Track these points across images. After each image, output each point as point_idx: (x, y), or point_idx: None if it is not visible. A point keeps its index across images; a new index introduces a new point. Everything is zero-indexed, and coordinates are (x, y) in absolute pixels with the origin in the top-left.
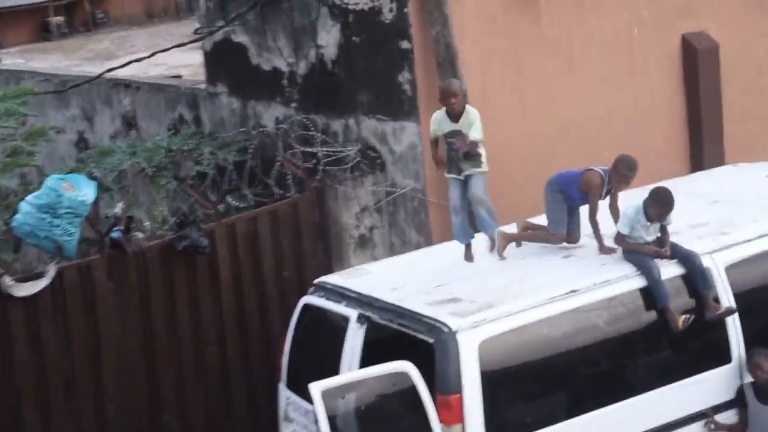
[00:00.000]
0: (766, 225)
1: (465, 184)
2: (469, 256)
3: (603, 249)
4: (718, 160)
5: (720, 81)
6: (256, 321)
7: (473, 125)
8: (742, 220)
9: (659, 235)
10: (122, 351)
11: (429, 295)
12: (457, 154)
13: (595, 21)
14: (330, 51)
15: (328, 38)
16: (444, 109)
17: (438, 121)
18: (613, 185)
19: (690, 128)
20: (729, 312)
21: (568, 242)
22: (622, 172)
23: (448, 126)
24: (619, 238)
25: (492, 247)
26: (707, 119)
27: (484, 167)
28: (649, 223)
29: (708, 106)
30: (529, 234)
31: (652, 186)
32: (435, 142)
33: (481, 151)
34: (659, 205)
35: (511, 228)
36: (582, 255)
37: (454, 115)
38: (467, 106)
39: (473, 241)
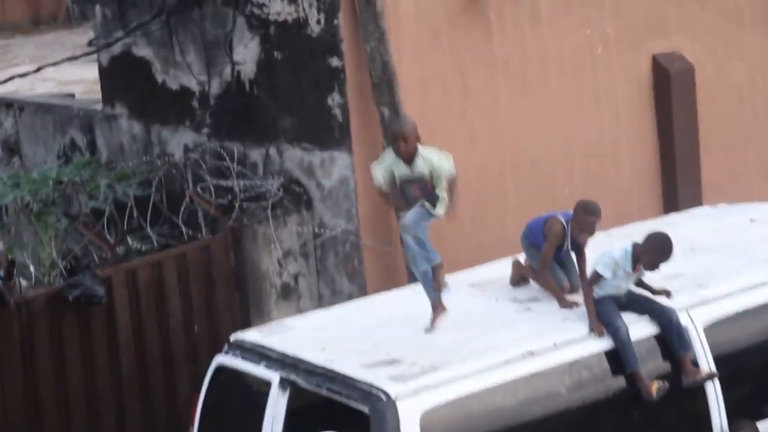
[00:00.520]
0: (751, 277)
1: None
2: (437, 310)
3: (563, 303)
4: (695, 200)
5: (696, 108)
6: (161, 385)
7: (435, 169)
8: (723, 271)
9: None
10: (1, 419)
11: (364, 355)
12: (415, 199)
13: (553, 38)
14: (248, 68)
15: (246, 53)
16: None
17: (390, 163)
18: (575, 235)
19: (662, 163)
20: (709, 377)
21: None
22: (582, 218)
23: (403, 170)
24: (592, 281)
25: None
26: (682, 152)
27: (438, 213)
28: (632, 272)
29: (683, 138)
30: (542, 278)
31: (617, 230)
32: (388, 186)
33: (441, 194)
34: (657, 252)
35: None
36: (541, 309)
37: (405, 159)
38: (420, 149)
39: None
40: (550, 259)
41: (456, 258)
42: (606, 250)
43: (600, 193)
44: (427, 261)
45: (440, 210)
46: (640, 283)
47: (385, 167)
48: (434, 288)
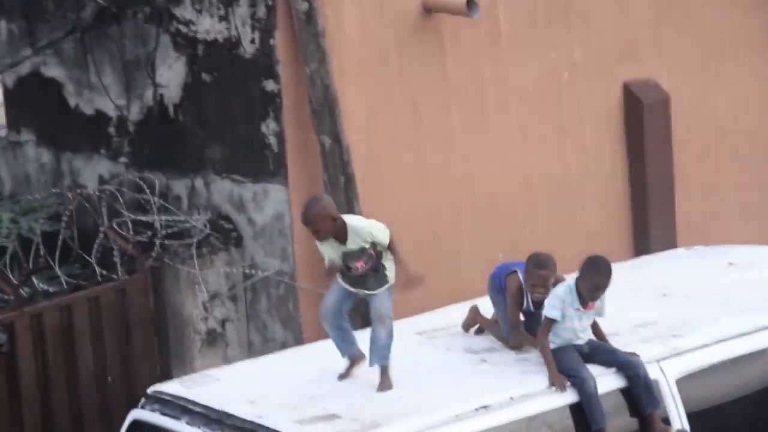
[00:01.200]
0: (729, 326)
1: (357, 298)
2: (348, 373)
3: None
4: (669, 242)
5: (671, 143)
6: None
7: (375, 239)
8: (698, 319)
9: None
10: None
11: (298, 410)
12: (359, 275)
13: (514, 63)
14: (172, 92)
15: (170, 75)
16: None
17: (327, 246)
18: (530, 291)
19: (633, 201)
20: None
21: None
22: (533, 273)
23: (338, 249)
24: (544, 329)
25: (384, 386)
26: (655, 190)
27: (391, 279)
28: (582, 309)
29: (656, 174)
30: (491, 324)
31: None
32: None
33: (388, 262)
34: (591, 276)
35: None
36: (497, 361)
37: (334, 238)
38: (348, 224)
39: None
40: (517, 321)
41: (403, 304)
42: (552, 291)
43: (565, 235)
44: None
45: (391, 275)
46: (597, 335)
47: (326, 247)
48: (387, 351)
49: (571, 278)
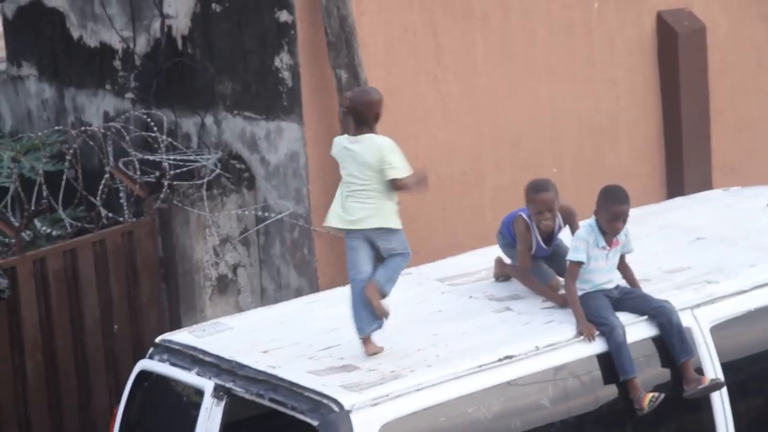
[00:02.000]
0: (766, 272)
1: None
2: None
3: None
4: (704, 183)
5: (707, 76)
6: (74, 394)
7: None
8: (734, 264)
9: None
10: None
11: (313, 360)
12: None
13: None
14: (181, 23)
15: (179, 5)
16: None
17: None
18: (538, 225)
19: (667, 139)
20: (715, 386)
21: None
22: (533, 199)
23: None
24: (570, 275)
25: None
26: (690, 127)
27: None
28: (608, 246)
29: (691, 110)
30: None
31: None
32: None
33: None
34: (607, 204)
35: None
36: (520, 309)
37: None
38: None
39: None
40: (527, 263)
41: (424, 248)
42: (575, 234)
43: (593, 174)
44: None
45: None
46: (629, 280)
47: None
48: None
49: (591, 218)
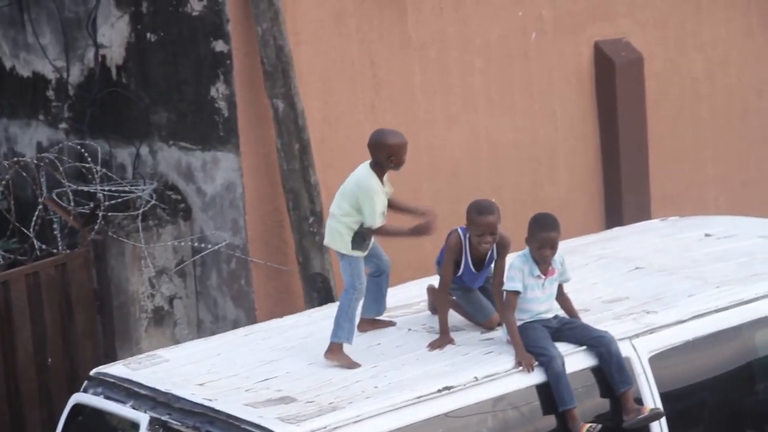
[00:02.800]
0: (705, 302)
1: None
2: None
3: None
4: (643, 213)
5: (645, 106)
6: (7, 428)
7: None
8: (673, 294)
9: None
10: None
11: (251, 392)
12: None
13: (479, 21)
14: (115, 52)
15: (113, 35)
16: (369, 167)
17: (381, 194)
18: (475, 245)
19: (605, 170)
20: (655, 416)
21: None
22: (475, 221)
23: (384, 192)
24: (506, 305)
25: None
26: (628, 157)
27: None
28: (543, 276)
29: (629, 140)
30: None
31: None
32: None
33: None
34: (534, 231)
35: None
36: (459, 340)
37: (381, 177)
38: None
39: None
40: (447, 279)
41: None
42: (509, 263)
43: (532, 205)
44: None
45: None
46: (567, 310)
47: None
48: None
49: (526, 248)
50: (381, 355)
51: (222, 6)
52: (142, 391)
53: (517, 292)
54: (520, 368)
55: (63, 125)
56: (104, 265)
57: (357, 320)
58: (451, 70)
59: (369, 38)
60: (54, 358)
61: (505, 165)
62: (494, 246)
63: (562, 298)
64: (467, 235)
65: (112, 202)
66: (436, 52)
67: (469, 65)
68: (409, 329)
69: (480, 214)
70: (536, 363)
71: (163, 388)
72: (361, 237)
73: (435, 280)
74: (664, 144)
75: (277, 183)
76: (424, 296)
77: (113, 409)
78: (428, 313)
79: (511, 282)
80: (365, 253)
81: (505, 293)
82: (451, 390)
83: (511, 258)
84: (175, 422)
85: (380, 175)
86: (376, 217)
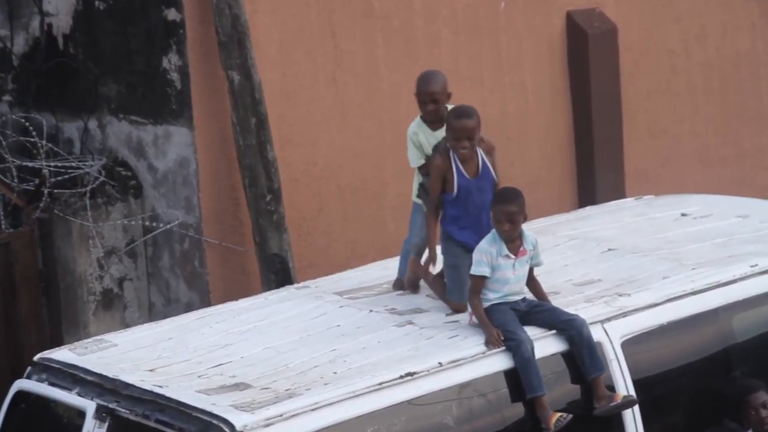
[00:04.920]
0: (680, 284)
1: None
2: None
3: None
4: (616, 190)
5: (619, 79)
6: None
7: None
8: (646, 276)
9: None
10: None
11: (203, 378)
12: None
13: None
14: (62, 21)
15: (60, 2)
16: (419, 116)
17: (420, 135)
18: (456, 152)
19: (578, 146)
20: (627, 404)
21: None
22: (454, 126)
23: (432, 140)
24: (473, 291)
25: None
26: (601, 133)
27: None
28: (512, 256)
29: (602, 115)
30: (434, 280)
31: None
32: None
33: None
34: (497, 205)
35: None
36: (423, 323)
37: (433, 123)
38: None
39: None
40: (435, 198)
41: (322, 260)
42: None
43: (502, 182)
44: None
45: None
46: (537, 293)
47: (419, 136)
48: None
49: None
50: (341, 338)
51: None
52: (89, 378)
53: (483, 277)
54: (490, 346)
55: (6, 97)
56: (50, 245)
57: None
58: (416, 41)
59: (330, 7)
60: None
61: None
62: (482, 156)
63: (531, 281)
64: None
65: (59, 178)
66: (401, 22)
67: (435, 36)
68: (371, 311)
69: (457, 117)
70: (503, 348)
71: (110, 375)
72: (423, 188)
73: (396, 262)
74: (639, 119)
75: (233, 159)
76: (386, 278)
77: (58, 397)
78: (392, 294)
79: (477, 266)
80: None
81: (470, 276)
82: (414, 376)
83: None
84: (123, 410)
85: (427, 121)
86: (411, 160)
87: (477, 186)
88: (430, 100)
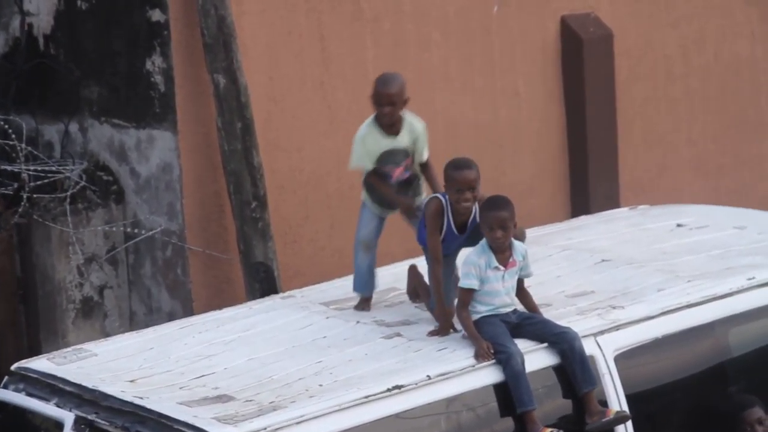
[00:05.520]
0: (675, 297)
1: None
2: (364, 306)
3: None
4: (611, 200)
5: (615, 86)
6: None
7: (421, 141)
8: (641, 288)
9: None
10: None
11: (185, 390)
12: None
13: None
14: (43, 21)
15: (41, 2)
16: (372, 118)
17: (368, 138)
18: (455, 205)
19: (572, 154)
20: (620, 419)
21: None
22: (453, 178)
23: (384, 144)
24: (460, 301)
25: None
26: (596, 141)
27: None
28: (502, 268)
29: (597, 123)
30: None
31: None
32: (372, 173)
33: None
34: (483, 210)
35: None
36: (411, 335)
37: (388, 127)
38: (408, 115)
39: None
40: (437, 250)
41: (308, 269)
42: (464, 257)
43: (493, 191)
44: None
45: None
46: (528, 305)
47: (367, 140)
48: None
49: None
50: (327, 349)
51: None
52: (68, 388)
53: (471, 290)
54: (480, 359)
55: None
56: (28, 251)
57: (363, 269)
58: (406, 45)
59: (318, 9)
60: None
61: (463, 148)
62: (476, 212)
63: (522, 292)
64: (447, 199)
65: (38, 182)
66: (391, 24)
67: (425, 39)
68: (358, 322)
69: (457, 168)
70: (493, 360)
71: (90, 385)
72: (370, 187)
73: (385, 271)
74: (634, 127)
75: (218, 164)
76: (376, 288)
77: (36, 407)
78: (380, 305)
79: (465, 279)
80: (375, 209)
81: (459, 290)
82: (402, 389)
83: (467, 252)
84: (102, 422)
85: (380, 125)
86: (352, 160)
87: (460, 239)
88: (387, 103)
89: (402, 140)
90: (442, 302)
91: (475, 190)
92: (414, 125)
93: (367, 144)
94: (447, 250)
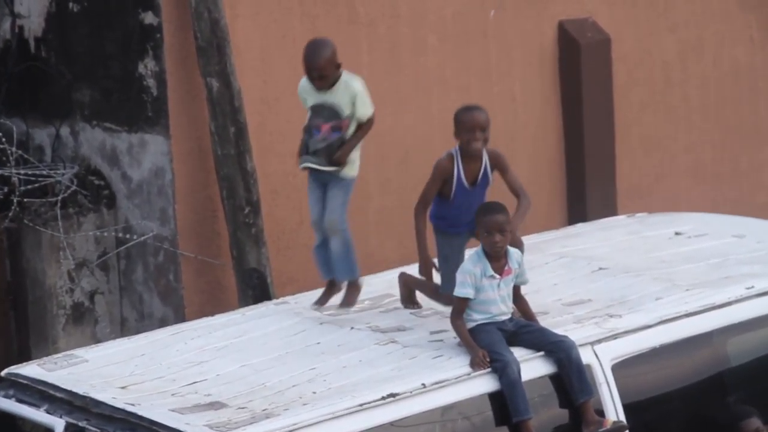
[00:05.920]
0: (673, 306)
1: (325, 189)
2: (324, 300)
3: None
4: (608, 207)
5: (612, 91)
6: None
7: (358, 98)
8: (639, 297)
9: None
10: None
11: (177, 397)
12: (316, 142)
13: None
14: (34, 23)
15: (31, 4)
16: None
17: (302, 90)
18: (465, 150)
19: (568, 160)
20: (617, 430)
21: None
22: (458, 120)
23: (314, 97)
24: (455, 313)
25: (345, 302)
26: (593, 147)
27: (354, 170)
28: (497, 276)
29: (594, 129)
30: (421, 283)
31: None
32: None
33: (355, 152)
34: (480, 215)
35: None
36: (407, 342)
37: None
38: (345, 75)
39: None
40: (429, 200)
41: (301, 275)
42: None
43: (489, 197)
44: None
45: (366, 110)
46: (524, 313)
47: (302, 96)
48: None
49: (478, 247)
50: (320, 356)
51: None
52: (58, 394)
53: (466, 299)
54: (475, 368)
55: None
56: (19, 255)
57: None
58: (402, 49)
59: (313, 12)
60: None
61: None
62: (486, 163)
63: (519, 300)
64: (458, 150)
65: (29, 187)
66: (387, 28)
67: (421, 43)
68: (352, 328)
69: (467, 111)
70: (489, 369)
71: (80, 391)
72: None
73: (379, 278)
74: (632, 133)
75: (211, 169)
76: (369, 294)
77: (26, 413)
78: (375, 311)
79: (460, 287)
80: (304, 165)
81: (453, 298)
82: (397, 397)
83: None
84: (93, 428)
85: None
86: None
87: (472, 194)
88: (318, 76)
89: (334, 97)
90: (424, 250)
91: (486, 131)
92: (350, 84)
93: (302, 94)
94: (460, 204)
